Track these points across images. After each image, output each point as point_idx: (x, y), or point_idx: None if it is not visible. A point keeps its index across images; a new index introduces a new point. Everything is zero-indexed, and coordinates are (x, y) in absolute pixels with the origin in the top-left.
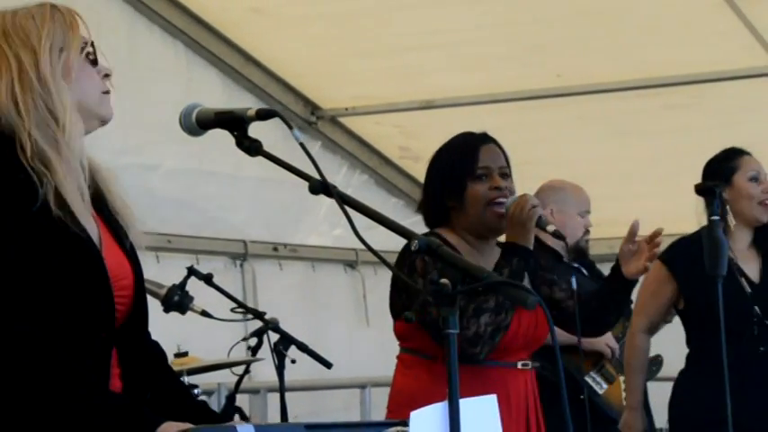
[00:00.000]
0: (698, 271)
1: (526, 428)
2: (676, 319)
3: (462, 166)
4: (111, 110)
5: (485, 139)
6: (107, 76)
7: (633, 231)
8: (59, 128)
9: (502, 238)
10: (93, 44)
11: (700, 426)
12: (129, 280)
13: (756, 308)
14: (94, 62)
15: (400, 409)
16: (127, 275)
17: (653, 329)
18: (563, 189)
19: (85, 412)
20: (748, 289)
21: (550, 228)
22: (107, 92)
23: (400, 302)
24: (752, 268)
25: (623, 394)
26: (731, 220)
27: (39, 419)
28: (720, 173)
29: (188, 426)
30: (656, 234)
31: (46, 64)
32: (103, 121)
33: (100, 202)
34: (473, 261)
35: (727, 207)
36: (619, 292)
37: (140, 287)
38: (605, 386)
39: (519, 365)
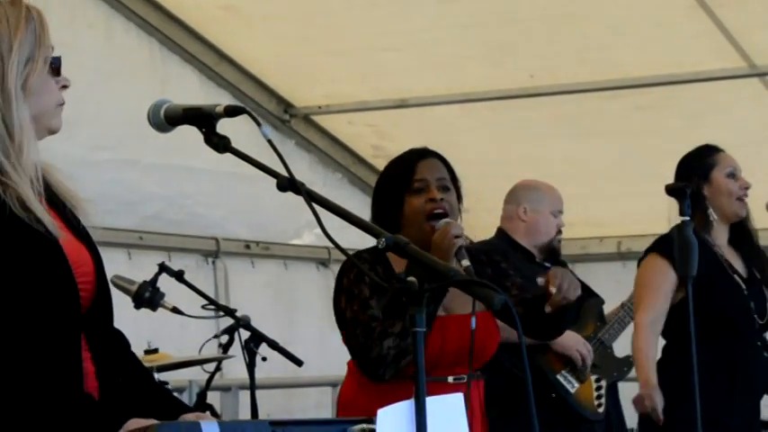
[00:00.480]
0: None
1: None
2: None
3: (399, 181)
4: (61, 122)
5: (424, 153)
6: (65, 87)
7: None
8: (14, 145)
9: None
10: (56, 55)
11: (678, 417)
12: (89, 267)
13: (752, 303)
14: (57, 71)
15: (346, 412)
16: (86, 263)
17: (657, 324)
18: (537, 188)
19: (50, 413)
20: (743, 285)
21: (465, 263)
22: (62, 104)
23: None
24: (739, 265)
25: (594, 393)
26: (713, 216)
27: (2, 421)
28: (698, 170)
29: (152, 422)
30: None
31: (12, 77)
32: (52, 132)
33: (51, 197)
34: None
35: (708, 203)
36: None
37: (101, 273)
38: (577, 385)
39: (450, 380)
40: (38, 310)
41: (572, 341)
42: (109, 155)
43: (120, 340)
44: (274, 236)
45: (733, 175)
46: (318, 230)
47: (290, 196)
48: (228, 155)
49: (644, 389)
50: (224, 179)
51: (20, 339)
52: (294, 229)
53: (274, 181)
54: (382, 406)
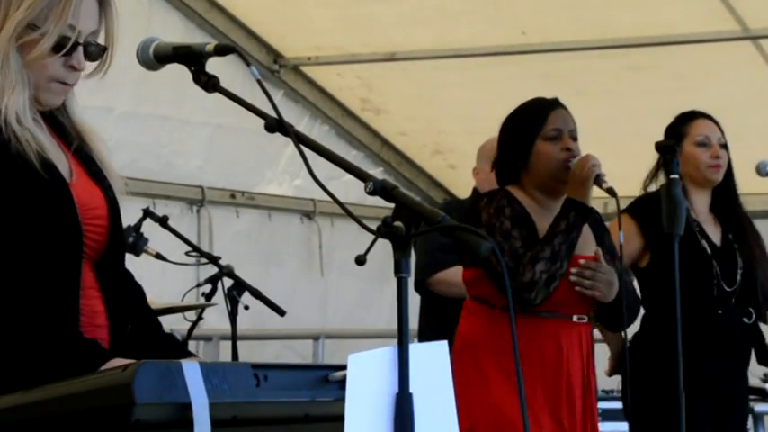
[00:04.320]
0: (662, 229)
1: (582, 380)
2: None
3: (532, 127)
4: (54, 99)
5: (555, 103)
6: (73, 68)
7: None
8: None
9: None
10: (79, 32)
11: (656, 388)
12: (102, 210)
13: (717, 269)
14: (67, 53)
15: (462, 353)
16: (99, 206)
17: None
18: (493, 140)
19: (34, 347)
20: (709, 251)
21: (605, 185)
22: (61, 81)
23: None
24: (714, 231)
25: None
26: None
27: None
28: (671, 138)
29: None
30: None
31: (5, 37)
32: (43, 107)
33: (81, 152)
34: (541, 218)
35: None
36: None
37: (116, 219)
38: None
39: (574, 318)
40: (31, 245)
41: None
42: (86, 101)
43: (138, 289)
44: (252, 186)
45: (704, 144)
46: (298, 182)
47: (267, 147)
48: (206, 105)
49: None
50: (200, 129)
51: (6, 274)
52: (271, 180)
53: (251, 131)
54: (527, 347)
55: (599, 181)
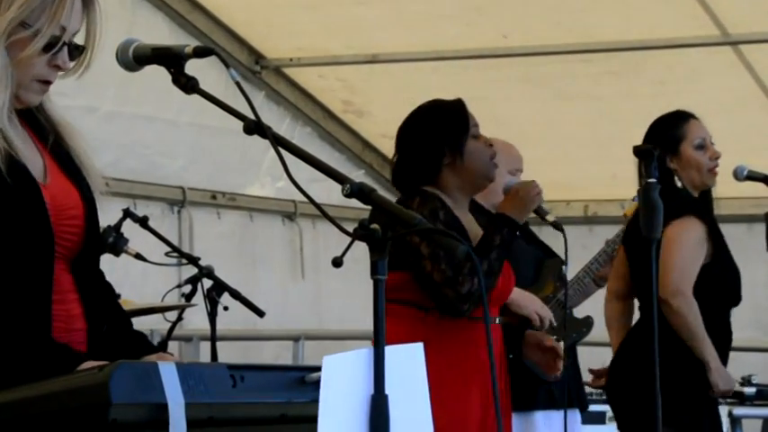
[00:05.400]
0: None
1: (503, 379)
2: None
3: (461, 125)
4: (36, 98)
5: (464, 104)
6: (57, 67)
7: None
8: None
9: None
10: (66, 31)
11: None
12: (78, 210)
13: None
14: (55, 53)
15: None
16: (75, 206)
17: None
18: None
19: (3, 353)
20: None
21: (550, 217)
22: (44, 81)
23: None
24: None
25: None
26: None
27: None
28: (666, 142)
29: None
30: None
31: None
32: (24, 105)
33: (59, 150)
34: (461, 218)
35: (676, 175)
36: None
37: (93, 220)
38: None
39: (497, 320)
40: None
41: (529, 301)
42: (71, 101)
43: (108, 288)
44: (234, 188)
45: (702, 147)
46: (280, 184)
47: (250, 149)
48: (190, 106)
49: (713, 374)
50: (184, 129)
51: None
52: (253, 181)
53: (235, 132)
54: (458, 347)
55: (542, 211)
